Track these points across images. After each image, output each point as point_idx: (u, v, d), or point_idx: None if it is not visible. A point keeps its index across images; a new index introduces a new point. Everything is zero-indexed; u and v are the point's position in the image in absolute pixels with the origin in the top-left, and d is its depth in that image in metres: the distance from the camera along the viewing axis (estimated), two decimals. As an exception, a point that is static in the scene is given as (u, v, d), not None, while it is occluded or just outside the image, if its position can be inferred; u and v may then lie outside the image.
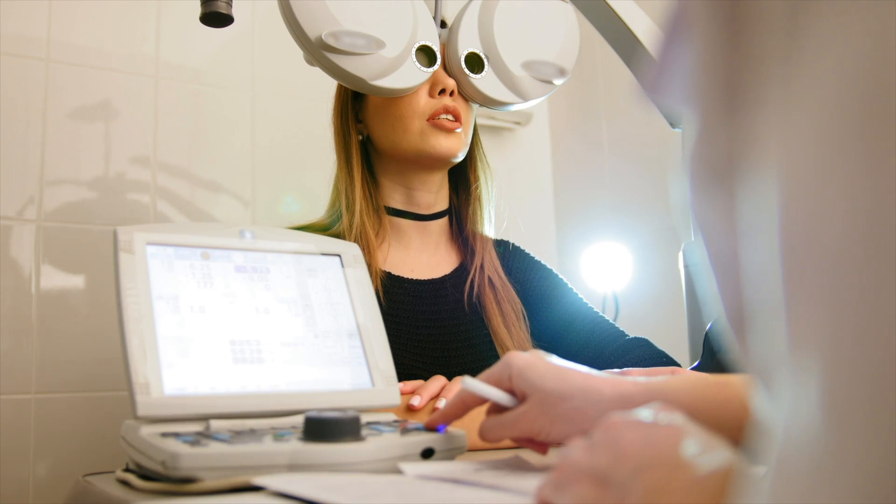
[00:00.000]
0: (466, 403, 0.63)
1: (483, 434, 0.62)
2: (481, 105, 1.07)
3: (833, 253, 0.19)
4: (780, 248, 0.21)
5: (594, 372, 0.60)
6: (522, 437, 0.60)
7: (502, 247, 1.15)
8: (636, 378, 0.61)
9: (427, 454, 0.61)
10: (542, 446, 0.62)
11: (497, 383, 0.61)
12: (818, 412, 0.19)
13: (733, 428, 0.55)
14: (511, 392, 0.61)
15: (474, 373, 0.83)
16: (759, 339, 0.23)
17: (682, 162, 0.26)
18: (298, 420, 0.61)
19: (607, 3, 1.05)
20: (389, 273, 1.04)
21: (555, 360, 0.61)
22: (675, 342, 1.13)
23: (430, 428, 0.64)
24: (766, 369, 0.23)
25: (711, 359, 0.90)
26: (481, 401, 0.63)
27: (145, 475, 0.57)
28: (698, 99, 0.25)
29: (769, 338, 0.22)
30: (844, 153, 0.19)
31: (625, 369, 0.76)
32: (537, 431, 0.59)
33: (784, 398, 0.21)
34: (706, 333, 0.95)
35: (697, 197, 0.26)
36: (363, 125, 1.08)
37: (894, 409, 0.17)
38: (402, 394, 0.74)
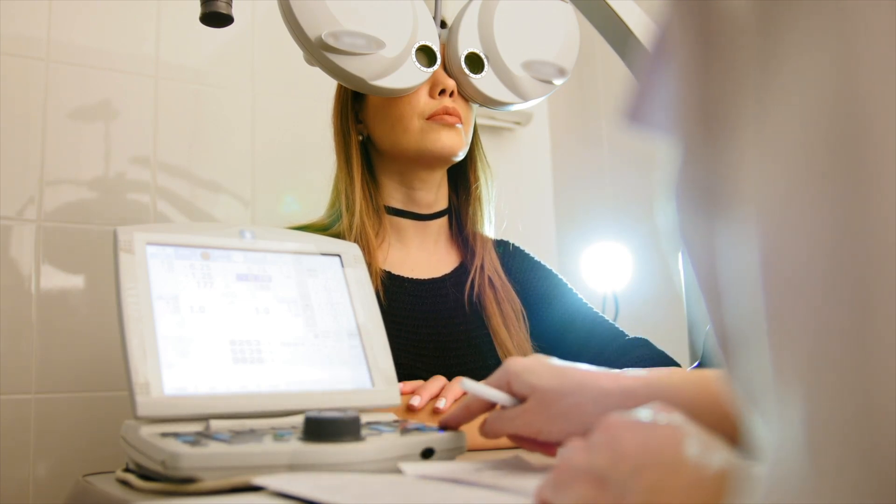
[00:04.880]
0: (471, 410, 0.63)
1: (484, 428, 0.61)
2: (481, 105, 1.07)
3: (811, 285, 0.19)
4: (761, 280, 0.21)
5: (594, 368, 0.60)
6: (522, 434, 0.60)
7: (502, 247, 1.15)
8: (637, 372, 0.60)
9: (427, 454, 0.61)
10: (547, 447, 0.61)
11: (497, 388, 0.61)
12: (801, 440, 0.19)
13: (734, 425, 0.55)
14: (513, 395, 0.61)
15: (474, 373, 0.83)
16: (744, 366, 0.24)
17: (667, 187, 0.27)
18: (298, 420, 0.61)
19: (607, 4, 1.05)
20: (390, 272, 1.04)
21: (554, 361, 0.61)
22: (675, 342, 1.13)
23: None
24: (752, 393, 0.24)
25: (712, 359, 0.90)
26: (487, 406, 0.63)
27: (145, 475, 0.57)
28: (679, 126, 0.25)
29: (754, 365, 0.22)
30: (819, 186, 0.19)
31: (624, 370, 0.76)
32: (537, 430, 0.58)
33: (770, 422, 0.22)
34: (706, 334, 0.95)
35: (684, 221, 0.26)
36: (363, 125, 1.08)
37: (870, 441, 0.18)
38: (402, 394, 0.74)
